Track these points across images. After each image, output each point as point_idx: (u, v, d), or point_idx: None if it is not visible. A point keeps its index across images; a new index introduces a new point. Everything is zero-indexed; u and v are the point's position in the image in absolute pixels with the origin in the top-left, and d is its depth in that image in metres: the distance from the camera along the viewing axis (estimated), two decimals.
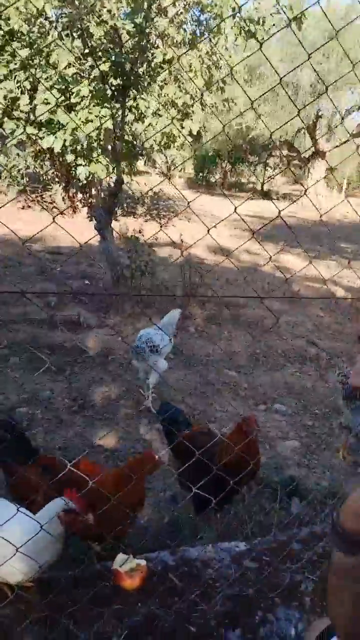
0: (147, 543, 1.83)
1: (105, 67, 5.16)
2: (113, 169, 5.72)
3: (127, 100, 5.53)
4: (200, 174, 20.00)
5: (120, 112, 5.56)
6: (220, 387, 3.82)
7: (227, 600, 1.66)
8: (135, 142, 7.72)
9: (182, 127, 8.02)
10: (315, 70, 1.86)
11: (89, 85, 5.28)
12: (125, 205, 11.25)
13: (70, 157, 5.97)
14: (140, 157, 8.88)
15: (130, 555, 1.63)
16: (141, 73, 5.64)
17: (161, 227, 1.45)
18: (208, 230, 1.33)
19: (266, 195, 18.45)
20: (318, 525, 2.17)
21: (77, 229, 7.87)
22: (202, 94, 7.44)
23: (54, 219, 1.23)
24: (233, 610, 1.63)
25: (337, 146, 17.73)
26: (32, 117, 5.97)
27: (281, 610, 1.65)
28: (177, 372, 4.00)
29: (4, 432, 1.89)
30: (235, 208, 1.39)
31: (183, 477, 2.01)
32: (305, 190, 1.73)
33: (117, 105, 5.49)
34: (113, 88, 5.43)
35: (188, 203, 1.41)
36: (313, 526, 2.12)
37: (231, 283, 6.68)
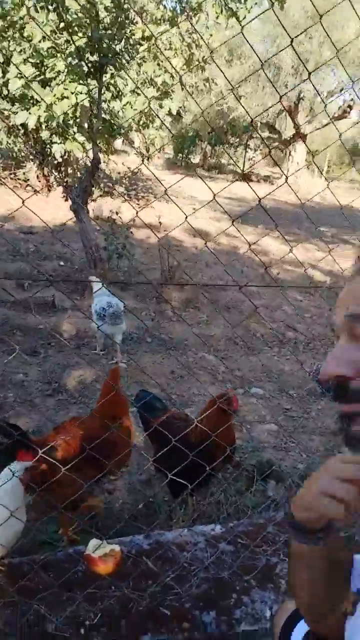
0: (122, 527, 1.81)
1: (81, 42, 4.99)
2: (91, 147, 5.58)
3: (103, 77, 5.38)
4: (180, 155, 19.77)
5: (96, 90, 5.41)
6: (198, 371, 3.82)
7: (202, 583, 1.66)
8: (112, 121, 7.55)
9: (161, 107, 7.87)
10: (297, 53, 1.80)
11: (65, 60, 5.11)
12: (102, 185, 11.06)
13: (45, 134, 5.81)
14: (119, 137, 8.72)
15: (104, 541, 1.62)
16: (119, 50, 5.49)
17: (137, 211, 1.40)
18: (186, 218, 1.28)
19: (246, 178, 18.36)
20: None
21: (52, 209, 7.71)
22: (180, 77, 7.30)
23: (23, 202, 1.16)
24: (208, 593, 1.63)
25: (318, 129, 17.68)
26: (4, 91, 5.76)
27: (256, 592, 1.66)
28: (154, 356, 3.97)
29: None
30: (215, 195, 1.35)
31: (158, 462, 1.99)
32: (286, 179, 1.70)
33: (94, 82, 5.34)
34: (89, 64, 5.27)
35: (165, 190, 1.37)
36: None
37: (210, 266, 6.65)
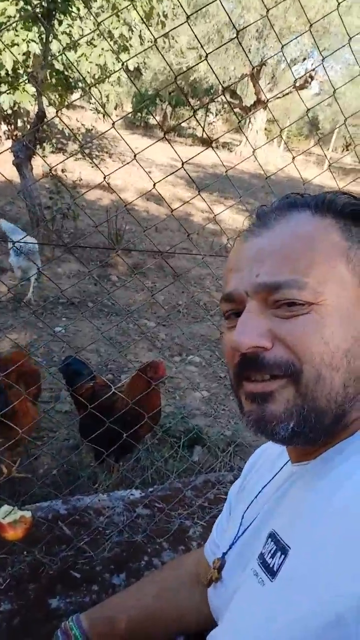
0: (43, 493, 1.82)
1: None
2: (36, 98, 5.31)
3: (52, 24, 5.08)
4: (139, 114, 19.21)
5: (47, 37, 5.11)
6: (137, 338, 3.81)
7: (115, 547, 1.70)
8: (66, 73, 7.19)
9: (119, 61, 7.57)
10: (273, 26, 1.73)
11: (17, 4, 4.77)
12: (54, 141, 10.62)
13: None
14: (75, 90, 8.33)
15: (15, 507, 1.61)
16: None
17: (106, 176, 1.33)
18: (154, 185, 1.22)
19: (205, 142, 18.10)
20: (215, 472, 2.26)
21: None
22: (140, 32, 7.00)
23: None
24: (120, 556, 1.67)
25: (279, 97, 17.53)
26: None
27: (167, 554, 1.72)
28: (95, 321, 3.93)
29: None
30: (183, 163, 1.29)
31: (82, 429, 2.00)
32: (254, 151, 1.66)
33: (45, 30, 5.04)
34: (39, 10, 4.95)
35: (134, 156, 1.30)
36: (208, 474, 2.19)
37: (159, 232, 6.58)
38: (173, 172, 1.45)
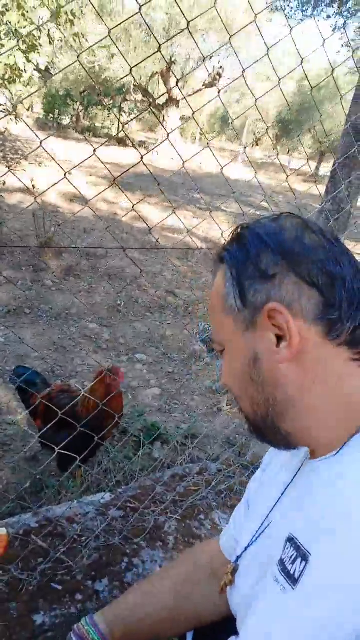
0: (8, 509, 1.74)
1: None
2: None
3: None
4: (51, 115, 18.71)
5: None
6: (81, 341, 3.74)
7: (93, 553, 1.67)
8: None
9: (29, 60, 7.35)
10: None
11: None
12: None
13: None
14: None
15: None
16: None
17: (33, 180, 1.27)
18: (65, 174, 1.19)
19: (121, 142, 18.00)
20: (180, 466, 2.27)
21: None
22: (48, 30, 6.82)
23: None
24: (99, 562, 1.64)
25: (190, 95, 17.78)
26: None
27: (146, 552, 1.71)
28: (35, 328, 3.80)
29: None
30: (142, 156, 1.26)
31: (44, 438, 1.93)
32: (167, 137, 1.66)
33: None
34: None
35: (40, 142, 1.25)
36: (175, 468, 2.21)
37: (88, 233, 6.46)
38: (79, 164, 1.44)
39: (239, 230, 0.69)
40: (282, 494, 0.71)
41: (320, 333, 0.60)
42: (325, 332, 0.59)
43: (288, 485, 0.71)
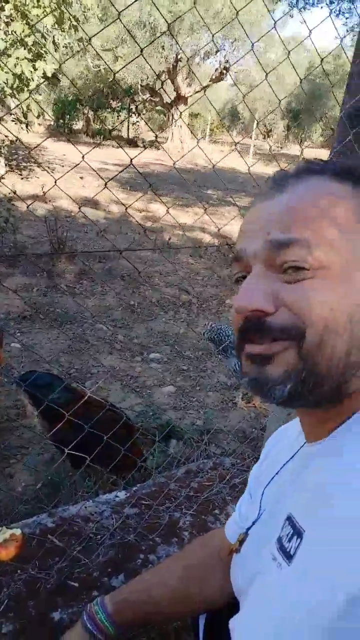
0: (25, 509, 1.78)
1: None
2: None
3: None
4: (61, 121, 18.89)
5: None
6: (96, 343, 3.78)
7: (108, 550, 1.69)
8: None
9: (35, 69, 7.43)
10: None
11: None
12: None
13: None
14: None
15: (4, 527, 1.57)
16: None
17: (50, 187, 1.31)
18: (105, 184, 1.21)
19: (132, 142, 18.08)
20: (194, 462, 2.29)
21: None
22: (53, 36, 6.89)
23: None
24: (115, 559, 1.67)
25: (197, 91, 17.73)
26: None
27: (161, 548, 1.73)
28: (50, 333, 3.86)
29: None
30: (132, 159, 1.28)
31: (57, 440, 1.96)
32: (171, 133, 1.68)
33: None
34: None
35: (82, 158, 1.28)
36: (189, 464, 2.22)
37: (100, 237, 6.52)
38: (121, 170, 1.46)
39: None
40: (276, 473, 0.72)
41: None
42: None
43: (284, 465, 0.72)
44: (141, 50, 1.04)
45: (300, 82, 1.33)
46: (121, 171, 1.31)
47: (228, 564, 0.82)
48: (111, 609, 0.91)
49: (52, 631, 1.45)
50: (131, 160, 1.21)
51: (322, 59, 1.36)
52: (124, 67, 1.17)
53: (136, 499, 1.90)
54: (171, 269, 5.55)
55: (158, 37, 1.21)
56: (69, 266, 5.23)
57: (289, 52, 1.29)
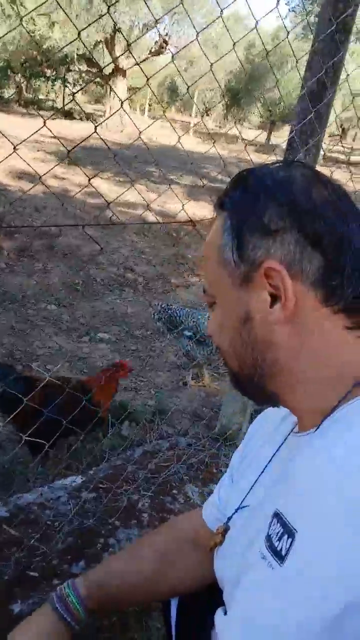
0: None
1: None
2: None
3: None
4: None
5: None
6: (40, 323, 3.64)
7: (68, 537, 1.65)
8: None
9: None
10: None
11: None
12: None
13: None
14: None
15: None
16: None
17: None
18: (14, 148, 1.10)
19: (68, 115, 17.40)
20: (150, 443, 2.27)
21: None
22: None
23: None
24: (75, 545, 1.63)
25: (136, 64, 17.23)
26: None
27: (121, 532, 1.70)
28: None
29: None
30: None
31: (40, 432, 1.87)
32: (122, 105, 1.59)
33: None
34: None
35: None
36: (144, 445, 2.20)
37: (39, 211, 6.25)
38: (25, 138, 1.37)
39: (244, 174, 0.63)
40: (263, 470, 0.70)
41: (318, 298, 0.57)
42: (323, 297, 0.56)
43: (270, 460, 0.70)
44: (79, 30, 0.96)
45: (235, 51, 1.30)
46: (81, 142, 1.22)
47: (205, 551, 0.81)
48: (83, 593, 0.88)
49: (12, 624, 1.40)
50: (95, 128, 1.14)
51: (288, 33, 1.33)
52: (89, 25, 1.08)
53: (94, 483, 1.86)
54: (116, 247, 5.43)
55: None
56: (8, 242, 4.98)
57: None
